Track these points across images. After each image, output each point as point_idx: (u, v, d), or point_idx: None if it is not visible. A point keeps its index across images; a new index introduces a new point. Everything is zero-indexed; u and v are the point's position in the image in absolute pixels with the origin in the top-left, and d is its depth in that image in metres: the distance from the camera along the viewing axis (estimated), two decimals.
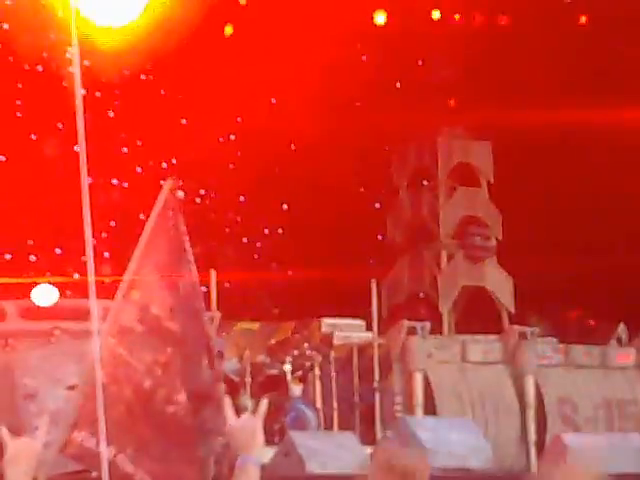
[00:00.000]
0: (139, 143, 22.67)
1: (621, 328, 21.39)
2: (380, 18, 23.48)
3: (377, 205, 24.82)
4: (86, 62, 18.72)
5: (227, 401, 5.61)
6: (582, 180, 24.00)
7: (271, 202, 24.70)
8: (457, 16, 23.34)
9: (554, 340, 21.33)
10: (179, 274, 12.62)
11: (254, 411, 5.25)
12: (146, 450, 11.32)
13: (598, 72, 23.46)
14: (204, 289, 18.90)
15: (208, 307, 18.64)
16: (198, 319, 11.88)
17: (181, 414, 11.30)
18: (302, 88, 23.01)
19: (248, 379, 19.43)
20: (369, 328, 20.63)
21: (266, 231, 24.12)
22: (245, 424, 5.42)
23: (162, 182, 14.69)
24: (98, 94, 22.06)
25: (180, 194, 13.69)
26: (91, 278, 10.40)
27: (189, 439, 10.87)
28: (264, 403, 6.02)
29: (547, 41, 23.18)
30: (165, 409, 12.01)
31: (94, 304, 10.43)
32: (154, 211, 13.24)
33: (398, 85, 23.71)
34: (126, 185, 21.74)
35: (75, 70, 11.34)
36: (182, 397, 11.43)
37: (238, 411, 5.34)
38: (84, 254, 13.43)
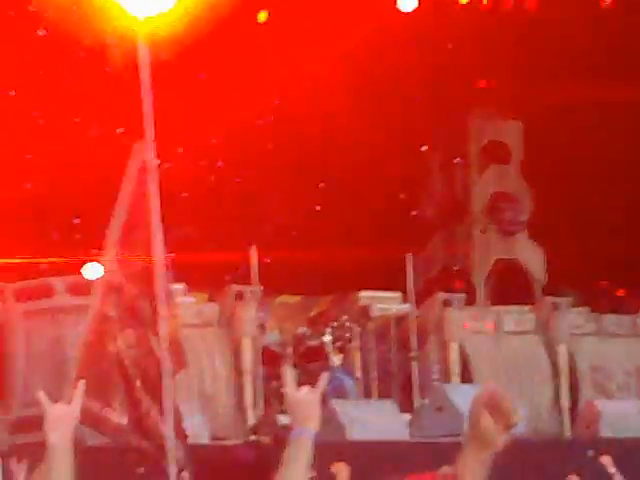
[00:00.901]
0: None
1: None
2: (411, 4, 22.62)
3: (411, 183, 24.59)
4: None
5: (289, 371, 5.26)
6: (612, 157, 23.89)
7: (309, 181, 24.30)
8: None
9: (586, 310, 21.05)
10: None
11: (298, 381, 4.87)
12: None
13: (625, 52, 23.04)
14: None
15: (249, 282, 18.89)
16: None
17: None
18: (336, 73, 22.55)
19: (289, 350, 19.33)
20: (405, 300, 20.31)
21: (304, 209, 24.01)
22: (305, 397, 5.08)
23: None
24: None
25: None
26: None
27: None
28: (325, 377, 5.62)
29: (574, 23, 22.46)
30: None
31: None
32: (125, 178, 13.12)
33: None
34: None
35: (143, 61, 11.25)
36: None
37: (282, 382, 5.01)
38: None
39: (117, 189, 16.24)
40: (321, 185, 23.85)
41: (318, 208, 23.59)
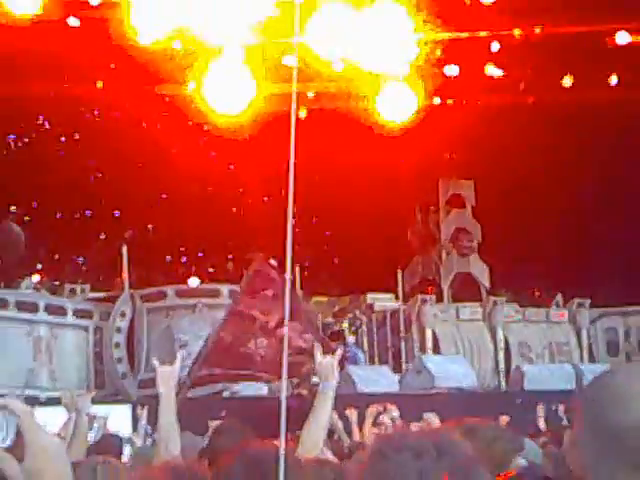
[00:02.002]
0: None
1: (558, 297, 21.44)
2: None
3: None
4: None
5: (317, 348, 6.26)
6: (535, 206, 23.91)
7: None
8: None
9: (515, 305, 21.45)
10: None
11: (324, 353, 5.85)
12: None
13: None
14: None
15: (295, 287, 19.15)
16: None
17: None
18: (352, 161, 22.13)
19: (321, 333, 19.23)
20: (397, 300, 20.88)
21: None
22: (327, 362, 6.04)
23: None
24: None
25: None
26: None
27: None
28: (340, 350, 6.71)
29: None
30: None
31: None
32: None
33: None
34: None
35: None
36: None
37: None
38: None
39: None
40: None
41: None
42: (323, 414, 5.45)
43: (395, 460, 1.79)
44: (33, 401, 14.32)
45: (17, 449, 2.21)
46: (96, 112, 22.26)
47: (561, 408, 13.64)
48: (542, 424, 13.34)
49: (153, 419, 8.38)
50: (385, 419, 10.25)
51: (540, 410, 13.83)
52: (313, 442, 5.25)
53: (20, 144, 23.13)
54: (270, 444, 2.94)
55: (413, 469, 1.75)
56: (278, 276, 16.48)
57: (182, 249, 22.72)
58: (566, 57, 21.00)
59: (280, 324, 16.34)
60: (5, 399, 2.33)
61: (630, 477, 2.22)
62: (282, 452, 2.55)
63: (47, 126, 22.95)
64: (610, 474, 2.26)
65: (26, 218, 22.08)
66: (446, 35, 19.16)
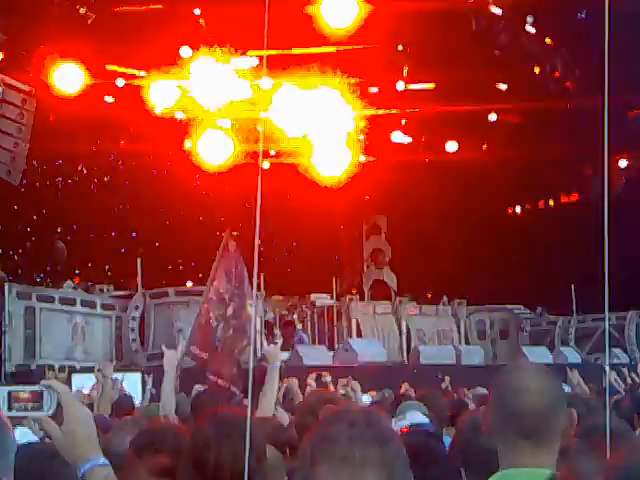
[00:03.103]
0: None
1: (444, 298, 21.44)
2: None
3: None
4: None
5: (264, 339, 6.35)
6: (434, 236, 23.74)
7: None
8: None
9: (414, 303, 21.27)
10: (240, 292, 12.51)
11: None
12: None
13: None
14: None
15: (259, 289, 18.97)
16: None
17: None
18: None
19: (278, 322, 19.54)
20: (332, 298, 20.61)
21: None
22: (273, 349, 6.08)
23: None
24: None
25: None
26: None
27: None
28: (278, 345, 6.60)
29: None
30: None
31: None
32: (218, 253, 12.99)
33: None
34: None
35: None
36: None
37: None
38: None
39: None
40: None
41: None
42: (273, 385, 5.63)
43: (333, 425, 1.77)
44: (71, 369, 14.35)
45: (58, 416, 2.17)
46: (120, 162, 22.45)
47: (447, 378, 13.31)
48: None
49: (157, 384, 8.36)
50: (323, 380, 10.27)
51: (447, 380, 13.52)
52: (268, 405, 5.29)
53: (65, 184, 23.28)
54: (235, 408, 2.89)
55: (346, 435, 1.72)
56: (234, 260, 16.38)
57: (180, 260, 22.64)
58: (452, 128, 21.18)
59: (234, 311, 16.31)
60: (49, 380, 2.33)
61: (519, 445, 2.36)
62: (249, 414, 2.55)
63: (85, 172, 23.14)
64: (507, 438, 2.41)
65: (67, 237, 22.26)
66: (370, 111, 19.36)
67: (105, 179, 23.12)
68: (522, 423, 2.36)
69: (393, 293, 22.48)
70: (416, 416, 4.99)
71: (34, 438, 3.14)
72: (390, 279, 23.07)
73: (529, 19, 20.54)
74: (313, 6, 17.37)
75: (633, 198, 20.74)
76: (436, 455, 3.06)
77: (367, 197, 23.22)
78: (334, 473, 1.67)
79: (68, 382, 12.63)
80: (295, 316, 20.09)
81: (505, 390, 2.46)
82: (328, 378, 10.82)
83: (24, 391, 2.21)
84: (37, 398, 2.19)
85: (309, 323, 20.24)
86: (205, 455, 2.61)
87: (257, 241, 2.53)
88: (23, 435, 2.95)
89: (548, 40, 21.17)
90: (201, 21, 17.95)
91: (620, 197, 20.73)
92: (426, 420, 4.86)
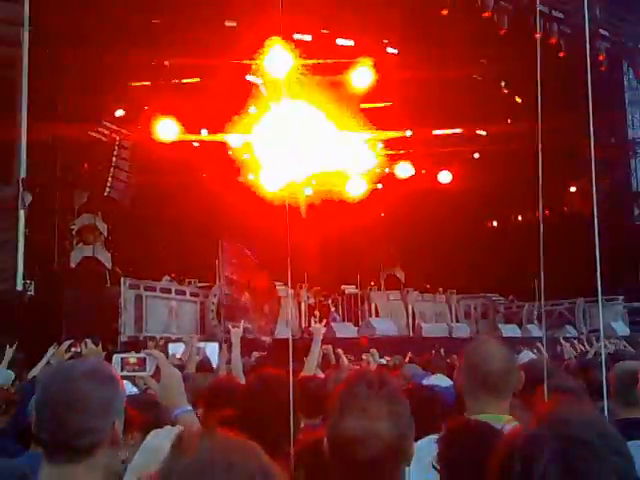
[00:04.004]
0: None
1: (440, 289, 21.33)
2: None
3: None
4: None
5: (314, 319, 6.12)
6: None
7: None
8: None
9: (418, 292, 20.93)
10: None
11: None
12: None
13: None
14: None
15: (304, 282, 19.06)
16: None
17: None
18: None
19: (317, 305, 19.46)
20: (357, 288, 20.22)
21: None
22: (318, 327, 6.03)
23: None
24: None
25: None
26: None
27: None
28: (322, 324, 6.46)
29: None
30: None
31: None
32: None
33: None
34: None
35: None
36: None
37: None
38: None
39: None
40: None
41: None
42: (315, 352, 5.42)
43: (355, 385, 1.75)
44: (168, 340, 14.36)
45: (156, 375, 2.19)
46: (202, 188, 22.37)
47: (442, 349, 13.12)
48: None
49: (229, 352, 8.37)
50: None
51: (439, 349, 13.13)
52: (311, 367, 5.16)
53: (163, 205, 23.11)
54: (276, 370, 2.83)
55: (364, 394, 1.71)
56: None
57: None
58: (445, 164, 21.05)
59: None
60: (150, 350, 2.36)
61: (483, 397, 2.32)
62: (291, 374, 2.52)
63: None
64: (474, 392, 2.36)
65: (166, 245, 22.29)
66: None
67: (192, 202, 23.17)
68: (486, 381, 2.34)
69: (402, 285, 22.23)
70: (443, 380, 4.94)
71: (134, 390, 3.16)
72: (400, 274, 22.98)
73: (502, 83, 20.58)
74: (343, 75, 17.48)
75: (578, 214, 20.60)
76: (434, 407, 3.01)
77: (382, 214, 23.14)
78: (356, 422, 1.66)
79: (165, 349, 12.72)
80: (330, 301, 19.99)
81: (474, 357, 2.45)
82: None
83: (132, 357, 2.22)
84: (141, 362, 2.20)
85: (340, 307, 20.09)
86: (252, 402, 2.57)
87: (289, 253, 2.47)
88: (128, 388, 2.96)
89: (518, 99, 21.14)
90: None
91: (570, 213, 20.76)
92: (449, 382, 4.73)
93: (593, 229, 1.94)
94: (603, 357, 3.45)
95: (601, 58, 19.93)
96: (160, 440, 1.55)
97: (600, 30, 19.83)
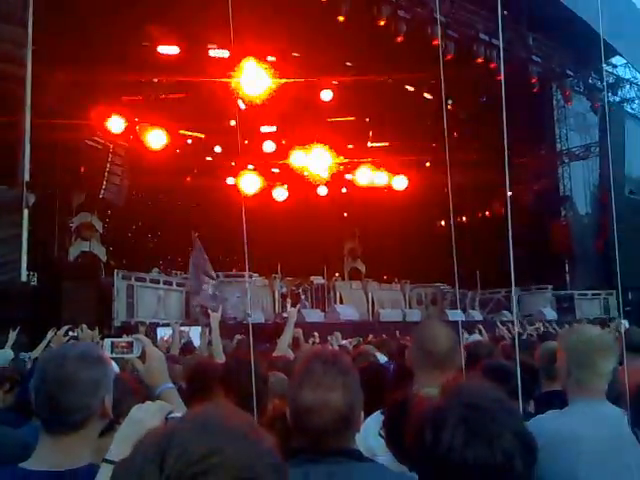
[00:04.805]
0: None
1: (395, 279, 21.36)
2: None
3: None
4: None
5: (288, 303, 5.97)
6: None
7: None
8: None
9: (376, 282, 20.92)
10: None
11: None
12: None
13: None
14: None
15: (277, 273, 18.86)
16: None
17: None
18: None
19: (289, 294, 19.23)
20: (324, 279, 20.07)
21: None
22: (292, 310, 5.97)
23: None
24: None
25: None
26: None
27: None
28: (296, 308, 6.32)
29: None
30: None
31: None
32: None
33: None
34: None
35: None
36: None
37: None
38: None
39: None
40: None
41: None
42: (288, 333, 5.36)
43: (312, 362, 1.76)
44: (156, 324, 14.25)
45: (142, 357, 2.16)
46: (187, 191, 22.18)
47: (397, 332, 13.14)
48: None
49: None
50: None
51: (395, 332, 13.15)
52: (282, 347, 5.08)
53: (152, 205, 23.08)
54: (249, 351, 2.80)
55: (319, 369, 1.72)
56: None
57: (227, 255, 22.02)
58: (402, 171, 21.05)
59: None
60: (137, 335, 2.33)
61: (430, 372, 2.32)
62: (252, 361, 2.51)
63: (164, 197, 22.98)
64: (423, 367, 2.38)
65: (155, 240, 22.22)
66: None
67: (178, 203, 23.12)
68: (434, 358, 2.37)
69: (363, 276, 22.23)
70: (382, 357, 5.00)
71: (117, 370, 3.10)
72: (361, 267, 23.02)
73: (449, 101, 20.64)
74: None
75: (515, 217, 20.71)
76: (382, 381, 3.02)
77: (345, 214, 23.11)
78: (312, 393, 1.67)
79: (154, 332, 12.60)
80: (300, 290, 19.86)
81: (423, 336, 2.47)
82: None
83: (121, 341, 2.20)
84: (129, 345, 2.17)
85: (309, 295, 19.89)
86: (229, 378, 2.61)
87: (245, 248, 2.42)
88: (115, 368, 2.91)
89: (463, 116, 21.34)
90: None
91: (505, 216, 20.86)
92: (385, 359, 4.83)
93: (512, 228, 1.96)
94: (516, 341, 3.47)
95: (534, 81, 20.31)
96: (143, 412, 1.55)
97: (533, 56, 20.18)
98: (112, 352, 2.13)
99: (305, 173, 19.16)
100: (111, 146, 16.66)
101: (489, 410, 1.14)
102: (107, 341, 2.16)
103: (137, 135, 17.41)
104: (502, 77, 2.18)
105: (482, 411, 1.13)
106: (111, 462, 1.50)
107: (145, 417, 1.51)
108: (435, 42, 16.99)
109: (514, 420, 1.15)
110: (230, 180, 18.35)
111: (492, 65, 18.22)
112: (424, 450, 1.13)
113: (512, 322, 12.75)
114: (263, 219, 19.25)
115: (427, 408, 1.17)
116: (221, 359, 4.41)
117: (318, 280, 20.32)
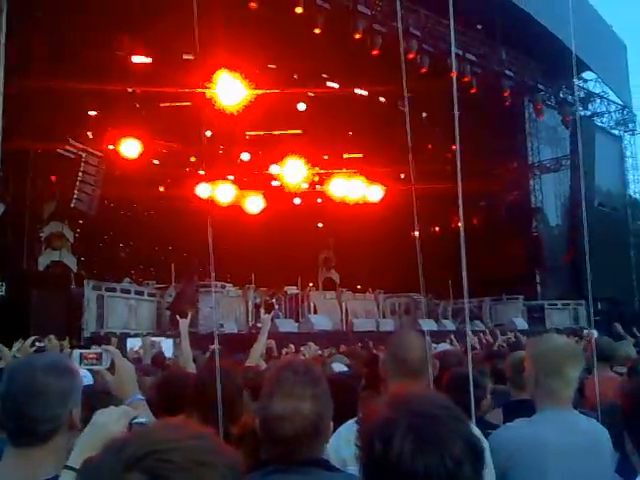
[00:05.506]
0: None
1: (369, 288, 21.35)
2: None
3: None
4: None
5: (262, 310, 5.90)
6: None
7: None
8: None
9: (350, 292, 20.98)
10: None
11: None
12: None
13: None
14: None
15: (251, 284, 18.81)
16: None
17: None
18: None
19: (263, 304, 19.04)
20: (298, 289, 20.19)
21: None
22: (266, 317, 5.90)
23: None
24: None
25: None
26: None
27: None
28: (272, 313, 6.34)
29: None
30: None
31: None
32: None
33: None
34: None
35: None
36: None
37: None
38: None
39: None
40: None
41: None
42: (261, 342, 5.20)
43: (283, 372, 1.76)
44: (127, 335, 14.07)
45: (111, 369, 2.16)
46: (161, 201, 21.96)
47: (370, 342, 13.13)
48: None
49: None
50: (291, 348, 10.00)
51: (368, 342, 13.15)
52: (255, 357, 4.93)
53: (125, 215, 22.84)
54: (224, 362, 2.80)
55: (290, 379, 1.72)
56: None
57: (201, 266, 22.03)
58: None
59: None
60: (107, 346, 2.30)
61: (403, 380, 2.32)
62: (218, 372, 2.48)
63: (137, 207, 22.81)
64: (396, 376, 2.37)
65: (127, 250, 21.99)
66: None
67: (151, 212, 22.91)
68: (407, 366, 2.37)
69: (337, 286, 22.23)
70: (339, 366, 4.94)
71: (91, 380, 3.08)
72: (335, 277, 23.03)
73: (424, 114, 20.91)
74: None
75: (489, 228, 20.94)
76: (350, 390, 3.00)
77: (320, 225, 23.11)
78: (282, 402, 1.68)
79: (124, 343, 12.43)
80: (274, 300, 19.79)
81: (397, 345, 2.47)
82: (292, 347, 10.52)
83: (90, 352, 2.18)
84: (98, 357, 2.15)
85: (283, 305, 19.88)
86: (201, 389, 2.57)
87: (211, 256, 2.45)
88: (87, 379, 2.87)
89: (438, 129, 21.46)
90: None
91: (478, 226, 21.16)
92: (345, 368, 4.77)
93: (486, 239, 1.99)
94: (469, 353, 3.51)
95: (506, 94, 20.64)
96: (107, 417, 1.53)
97: (506, 70, 20.51)
98: (81, 363, 2.11)
99: (280, 184, 19.16)
100: (83, 155, 16.49)
101: (437, 417, 1.14)
102: (76, 352, 2.14)
103: (112, 144, 17.29)
104: (454, 90, 2.20)
105: (430, 418, 1.13)
106: (71, 469, 1.47)
107: (108, 422, 1.49)
108: (410, 56, 17.26)
109: (462, 426, 1.15)
110: (204, 190, 18.15)
111: (465, 79, 18.50)
112: (374, 460, 1.12)
113: (484, 332, 12.86)
114: (238, 229, 19.21)
115: (376, 418, 1.16)
116: (191, 368, 4.35)
117: (292, 290, 20.26)
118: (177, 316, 5.32)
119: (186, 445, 0.72)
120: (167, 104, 17.82)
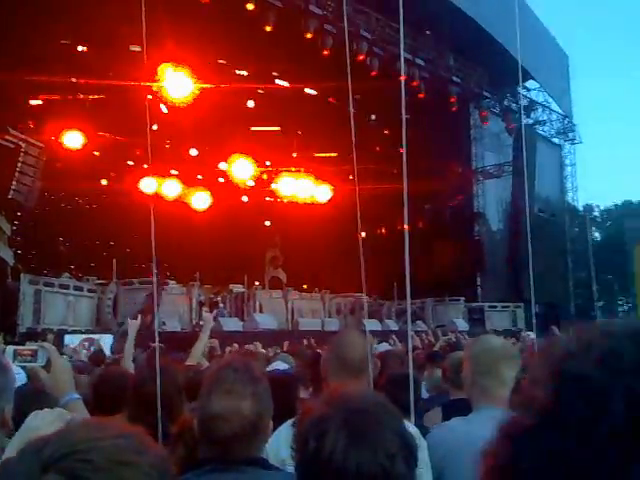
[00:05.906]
0: None
1: (316, 289, 21.40)
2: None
3: None
4: None
5: (203, 310, 5.94)
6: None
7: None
8: None
9: (296, 291, 20.92)
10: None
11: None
12: None
13: None
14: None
15: (195, 281, 18.60)
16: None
17: None
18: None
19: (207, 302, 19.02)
20: (244, 287, 20.00)
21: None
22: (207, 315, 5.83)
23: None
24: None
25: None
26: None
27: None
28: (212, 314, 6.31)
29: None
30: None
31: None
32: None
33: None
34: None
35: None
36: None
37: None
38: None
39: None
40: None
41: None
42: (203, 341, 5.12)
43: (223, 370, 1.75)
44: (64, 331, 13.73)
45: (47, 366, 2.10)
46: (103, 195, 21.57)
47: (312, 340, 13.17)
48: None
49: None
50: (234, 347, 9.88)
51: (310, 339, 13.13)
52: (196, 356, 4.92)
53: (65, 208, 22.34)
54: (164, 360, 2.78)
55: (230, 377, 1.71)
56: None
57: (143, 262, 21.77)
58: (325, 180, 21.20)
59: None
60: (42, 342, 2.25)
61: (344, 379, 2.31)
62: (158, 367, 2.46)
63: (79, 200, 22.28)
64: (338, 374, 2.36)
65: (67, 244, 21.47)
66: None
67: (94, 206, 22.44)
68: (348, 365, 2.39)
69: (283, 285, 22.07)
70: (281, 365, 4.96)
71: (24, 379, 2.99)
72: (282, 276, 22.93)
73: (372, 116, 21.17)
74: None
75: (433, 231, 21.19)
76: (290, 389, 3.01)
77: (267, 223, 23.02)
78: (222, 401, 1.66)
79: (61, 340, 12.11)
80: (219, 298, 19.60)
81: (339, 344, 2.50)
82: (236, 345, 10.42)
83: (25, 348, 2.12)
84: (33, 354, 2.09)
85: (228, 303, 19.64)
86: (140, 388, 2.55)
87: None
88: (20, 378, 2.78)
89: (386, 131, 21.74)
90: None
91: (423, 228, 21.51)
92: (286, 366, 4.78)
93: (430, 241, 2.03)
94: (408, 352, 3.59)
95: (452, 100, 21.05)
96: (40, 420, 1.49)
97: (453, 77, 20.91)
98: (15, 360, 2.04)
99: (227, 180, 19.05)
100: (23, 145, 15.91)
101: (371, 413, 1.14)
102: (9, 348, 2.07)
103: (54, 135, 16.83)
104: (403, 94, 2.24)
105: (363, 414, 1.13)
106: None
107: (42, 425, 1.45)
108: (360, 57, 17.40)
109: (395, 422, 1.16)
110: (148, 185, 17.84)
111: (414, 83, 18.76)
112: (307, 457, 1.12)
113: (426, 332, 13.09)
114: (183, 226, 18.99)
115: (311, 416, 1.16)
116: (129, 367, 4.29)
117: (238, 288, 20.08)
118: (127, 318, 5.25)
119: (107, 444, 0.71)
120: (105, 95, 17.41)
